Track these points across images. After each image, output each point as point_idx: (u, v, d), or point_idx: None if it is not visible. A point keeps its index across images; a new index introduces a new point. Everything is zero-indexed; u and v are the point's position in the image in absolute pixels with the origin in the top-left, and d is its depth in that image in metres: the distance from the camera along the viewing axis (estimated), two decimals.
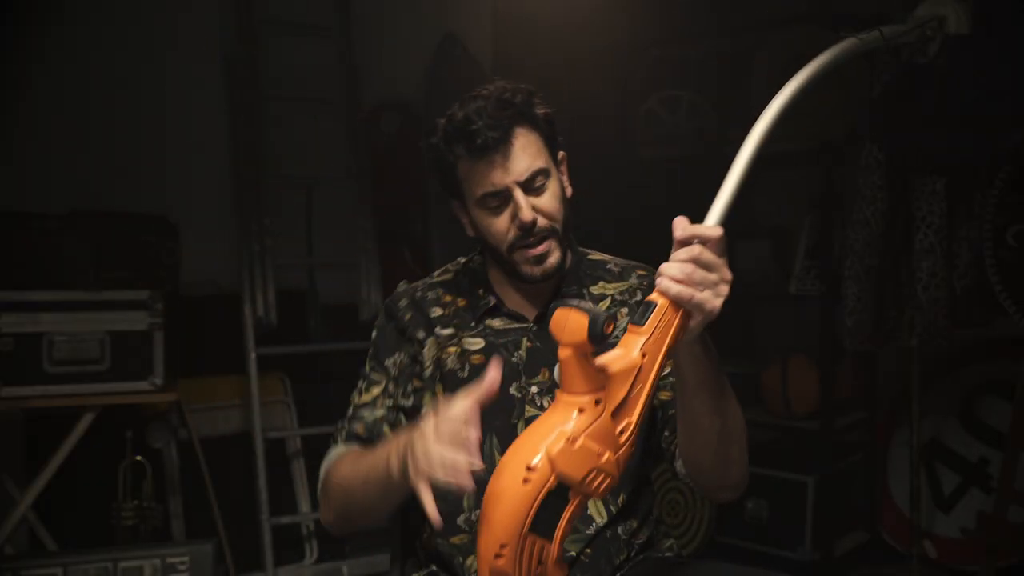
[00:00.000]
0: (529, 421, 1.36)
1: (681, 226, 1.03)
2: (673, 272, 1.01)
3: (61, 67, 2.92)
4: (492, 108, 1.31)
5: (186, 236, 2.78)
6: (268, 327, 2.98)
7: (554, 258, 1.37)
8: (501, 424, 1.36)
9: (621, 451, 0.98)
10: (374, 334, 1.49)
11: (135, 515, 2.60)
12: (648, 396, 1.00)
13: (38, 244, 2.48)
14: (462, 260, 1.54)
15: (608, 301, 1.45)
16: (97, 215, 2.58)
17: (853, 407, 3.07)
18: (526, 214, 1.32)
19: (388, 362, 1.45)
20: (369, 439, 1.40)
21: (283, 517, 2.95)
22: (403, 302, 1.48)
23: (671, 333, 1.01)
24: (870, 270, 2.67)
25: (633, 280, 1.49)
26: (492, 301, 1.44)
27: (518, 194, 1.32)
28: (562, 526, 0.98)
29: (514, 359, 1.40)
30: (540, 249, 1.35)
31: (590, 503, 1.33)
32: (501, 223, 1.35)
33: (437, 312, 1.46)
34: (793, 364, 2.98)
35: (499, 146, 1.30)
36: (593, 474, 0.96)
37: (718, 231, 1.03)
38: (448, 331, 1.43)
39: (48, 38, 2.90)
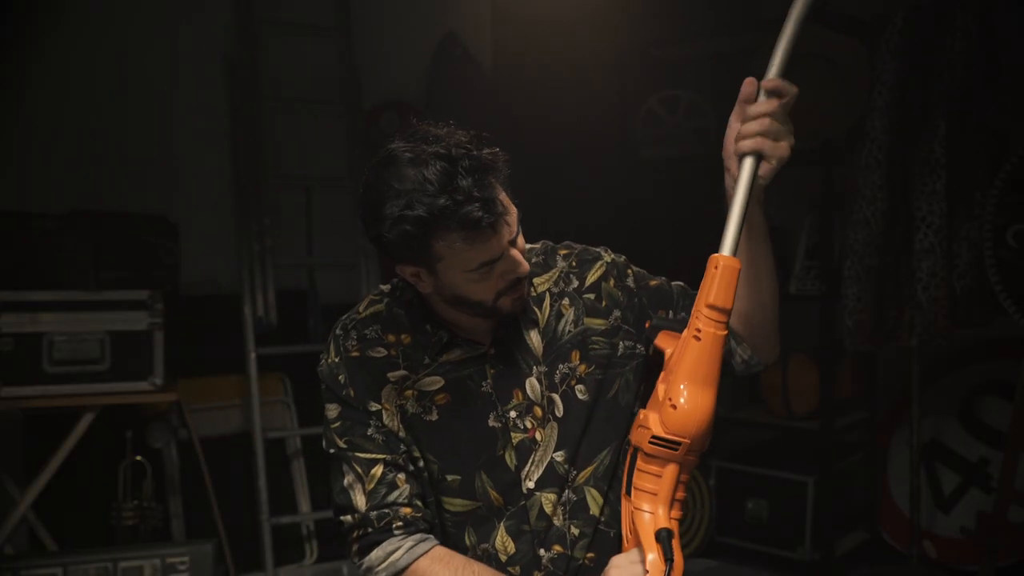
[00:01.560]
0: (519, 447, 1.33)
1: (750, 81, 1.20)
2: (751, 128, 1.18)
3: (61, 67, 2.93)
4: (476, 176, 1.18)
5: (186, 236, 2.78)
6: (268, 327, 2.98)
7: (526, 289, 1.34)
8: (487, 458, 1.33)
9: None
10: (331, 412, 1.36)
11: (135, 515, 2.60)
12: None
13: (38, 244, 2.48)
14: (386, 288, 1.42)
15: (547, 299, 1.39)
16: (97, 215, 2.57)
17: (853, 407, 3.07)
18: (525, 267, 1.27)
19: (369, 432, 1.33)
20: (425, 519, 1.33)
21: (283, 517, 2.95)
22: (341, 377, 1.34)
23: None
24: (870, 270, 2.67)
25: (560, 263, 1.42)
26: (445, 337, 1.34)
27: (513, 253, 1.25)
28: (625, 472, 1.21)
29: (484, 390, 1.34)
30: (522, 289, 1.31)
31: (587, 496, 1.35)
32: (490, 284, 1.26)
33: (380, 353, 1.35)
34: (793, 364, 2.98)
35: (500, 212, 1.20)
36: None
37: (794, 89, 1.19)
38: (400, 373, 1.34)
39: (48, 38, 2.90)
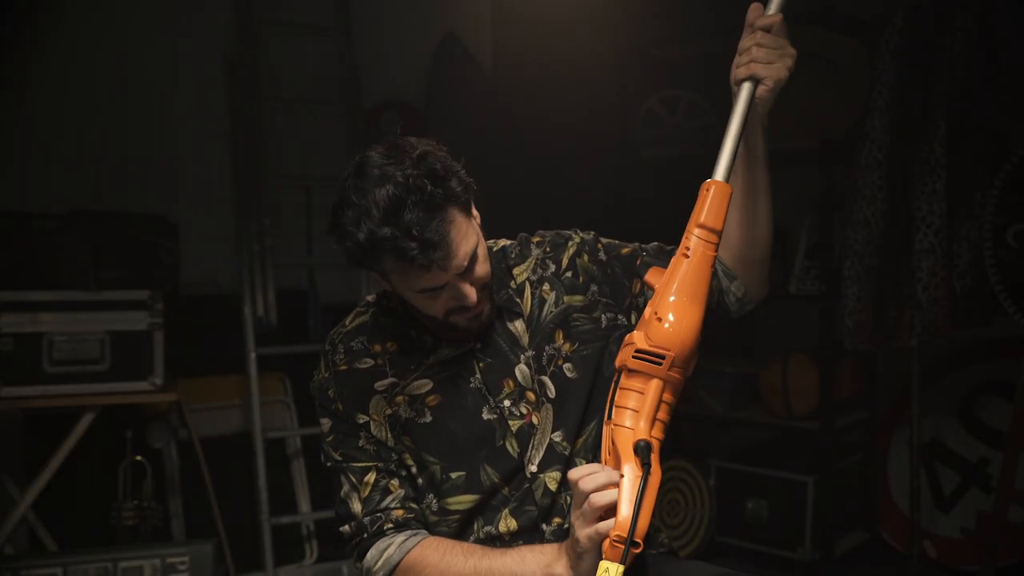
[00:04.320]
0: (519, 434, 1.35)
1: (755, 6, 1.27)
2: (742, 57, 1.23)
3: (61, 67, 2.93)
4: (423, 214, 1.18)
5: (186, 236, 2.78)
6: (268, 327, 2.98)
7: (488, 308, 1.34)
8: (488, 451, 1.35)
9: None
10: (324, 426, 1.40)
11: (135, 515, 2.60)
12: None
13: (38, 244, 2.47)
14: (371, 298, 1.46)
15: (528, 288, 1.41)
16: (97, 215, 2.57)
17: (853, 407, 3.07)
18: (472, 298, 1.27)
19: (360, 443, 1.37)
20: (418, 519, 1.36)
21: (283, 517, 2.95)
22: (330, 391, 1.38)
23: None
24: (870, 270, 2.67)
25: (535, 251, 1.45)
26: (430, 340, 1.37)
27: (461, 284, 1.26)
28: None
29: (473, 385, 1.36)
30: (477, 310, 1.31)
31: (577, 465, 1.36)
32: (439, 305, 1.28)
33: (367, 363, 1.38)
34: (793, 364, 2.98)
35: (438, 256, 1.20)
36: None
37: (774, 17, 1.25)
38: (387, 381, 1.37)
39: (48, 38, 2.90)
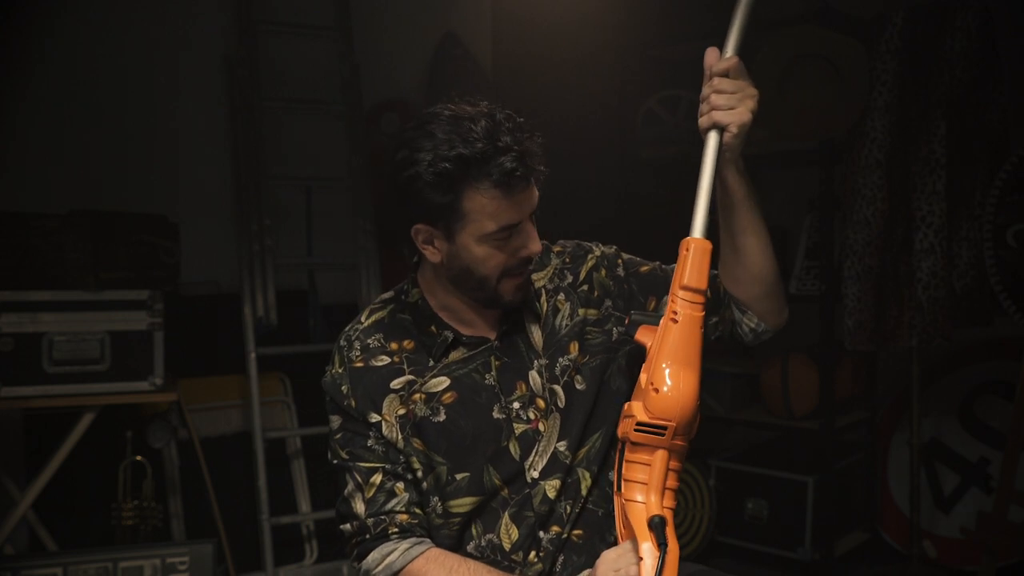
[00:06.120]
0: (521, 438, 1.35)
1: (711, 50, 1.24)
2: (702, 108, 1.22)
3: (61, 67, 2.92)
4: (519, 139, 1.22)
5: (186, 236, 2.77)
6: (268, 327, 2.98)
7: (528, 280, 1.36)
8: (493, 451, 1.34)
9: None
10: (334, 423, 1.40)
11: (135, 515, 2.60)
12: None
13: (38, 244, 2.47)
14: (387, 296, 1.46)
15: (544, 295, 1.42)
16: (97, 215, 2.57)
17: (853, 407, 3.07)
18: (537, 245, 1.30)
19: (369, 443, 1.36)
20: (422, 525, 1.35)
21: (283, 517, 2.95)
22: (344, 387, 1.37)
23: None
24: (870, 270, 2.67)
25: (554, 260, 1.46)
26: (450, 336, 1.37)
27: (529, 226, 1.29)
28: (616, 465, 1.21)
29: (488, 382, 1.36)
30: (528, 274, 1.33)
31: (579, 476, 1.36)
32: (501, 256, 1.28)
33: (383, 361, 1.37)
34: (793, 364, 2.98)
35: (529, 178, 1.24)
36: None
37: (729, 61, 1.21)
38: (404, 379, 1.36)
39: (48, 39, 2.90)
